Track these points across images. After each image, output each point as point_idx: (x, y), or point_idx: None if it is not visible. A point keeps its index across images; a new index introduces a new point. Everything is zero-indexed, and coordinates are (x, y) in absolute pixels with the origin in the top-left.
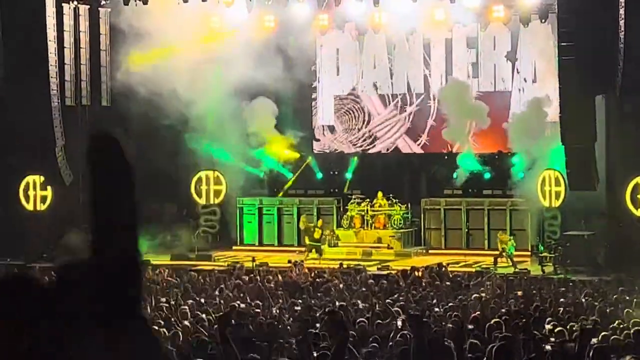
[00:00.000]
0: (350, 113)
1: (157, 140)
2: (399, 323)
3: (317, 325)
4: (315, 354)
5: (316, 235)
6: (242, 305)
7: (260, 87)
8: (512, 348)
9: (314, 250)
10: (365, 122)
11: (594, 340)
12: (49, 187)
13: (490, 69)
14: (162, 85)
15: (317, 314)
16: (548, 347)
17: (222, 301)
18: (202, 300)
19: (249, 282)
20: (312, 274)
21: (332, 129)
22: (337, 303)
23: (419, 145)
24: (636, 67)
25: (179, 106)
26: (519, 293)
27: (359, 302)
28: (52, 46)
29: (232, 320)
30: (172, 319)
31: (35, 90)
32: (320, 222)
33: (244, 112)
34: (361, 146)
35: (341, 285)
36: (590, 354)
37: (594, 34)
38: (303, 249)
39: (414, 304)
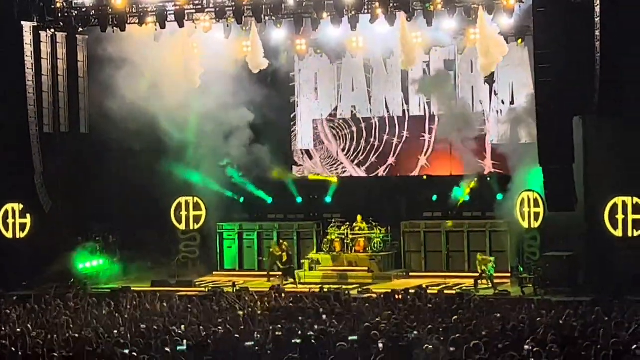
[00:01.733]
0: (329, 137)
1: (136, 166)
2: (380, 346)
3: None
4: None
5: (284, 260)
6: (222, 331)
7: (238, 113)
8: None
9: (287, 276)
10: (345, 145)
11: None
12: (28, 215)
13: (468, 91)
14: (140, 112)
15: (297, 339)
16: None
17: (202, 327)
18: (183, 327)
19: (229, 308)
20: (292, 299)
21: (311, 153)
22: (316, 327)
23: (397, 168)
24: (613, 87)
25: (158, 132)
26: (499, 315)
27: (339, 325)
28: (29, 74)
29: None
30: (153, 345)
31: (13, 118)
32: (284, 245)
33: (223, 137)
34: (340, 170)
35: (321, 310)
36: None
37: (571, 55)
38: (280, 273)
39: (394, 327)
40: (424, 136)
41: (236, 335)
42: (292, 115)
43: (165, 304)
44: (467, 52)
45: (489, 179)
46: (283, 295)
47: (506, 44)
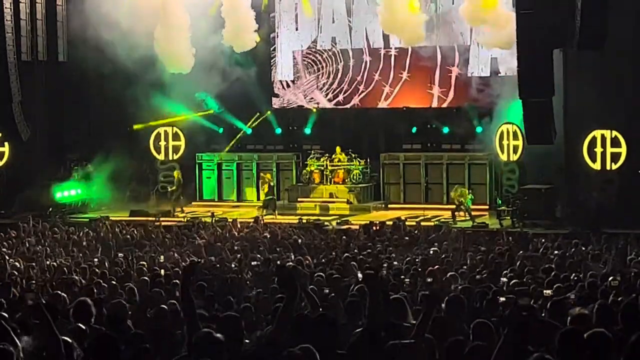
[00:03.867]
0: (309, 68)
1: (115, 96)
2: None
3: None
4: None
5: (264, 191)
6: (201, 261)
7: (217, 41)
8: (467, 299)
9: (268, 206)
10: (324, 77)
11: (548, 292)
12: (6, 144)
13: (450, 24)
14: (120, 39)
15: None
16: (502, 299)
17: (179, 257)
18: (161, 257)
19: (208, 238)
20: (269, 229)
21: (290, 84)
22: (293, 257)
23: (379, 98)
24: (594, 20)
25: (139, 59)
26: (478, 247)
27: (318, 256)
28: (7, 1)
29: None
30: (130, 274)
31: None
32: (268, 176)
33: (202, 68)
34: (319, 101)
35: (300, 240)
36: (546, 306)
37: None
38: (261, 203)
39: (372, 258)
40: (403, 71)
41: (216, 265)
42: (272, 48)
43: (143, 234)
44: None
45: (468, 111)
46: (262, 226)
47: None
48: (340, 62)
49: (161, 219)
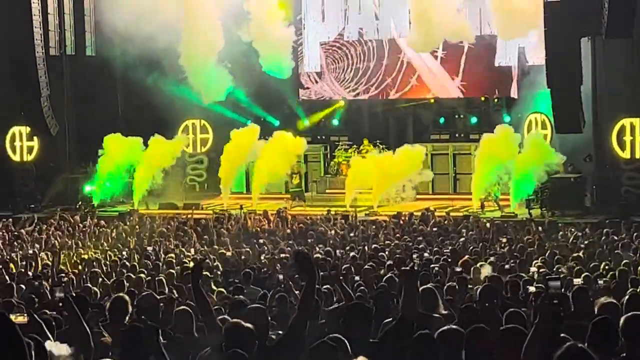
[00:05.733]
0: (336, 59)
1: (143, 89)
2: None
3: None
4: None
5: (295, 182)
6: (229, 254)
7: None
8: (497, 289)
9: (297, 197)
10: (352, 69)
11: (579, 280)
12: (35, 138)
13: (477, 13)
14: (148, 36)
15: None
16: (532, 289)
17: (207, 248)
18: (191, 250)
19: (237, 230)
20: (298, 221)
21: (318, 75)
22: (324, 248)
23: (406, 90)
24: (622, 8)
25: (165, 55)
26: (505, 237)
27: (346, 248)
28: None
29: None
30: (160, 266)
31: (19, 41)
32: (297, 167)
33: (230, 59)
34: (347, 92)
35: (332, 232)
36: (572, 294)
37: None
38: (289, 196)
39: (401, 249)
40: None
41: (243, 257)
42: (299, 37)
43: (172, 226)
44: None
45: (496, 100)
46: (289, 217)
47: None
48: (367, 53)
49: (192, 211)
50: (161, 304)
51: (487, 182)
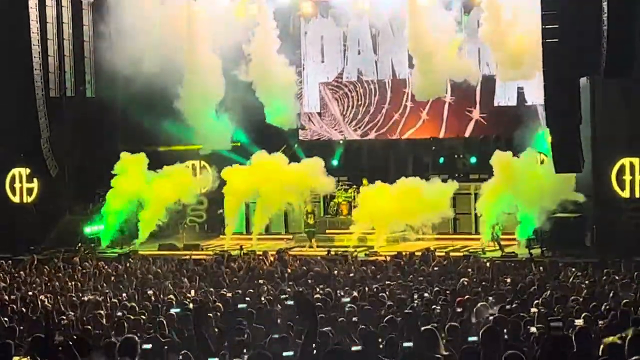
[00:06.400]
0: (335, 100)
1: (142, 130)
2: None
3: None
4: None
5: (310, 221)
6: (229, 294)
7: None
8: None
9: (312, 237)
10: (351, 109)
11: (579, 321)
12: (35, 179)
13: (475, 54)
14: (147, 77)
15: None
16: (534, 329)
17: (210, 289)
18: (192, 291)
19: (237, 271)
20: (299, 262)
21: (317, 116)
22: (324, 289)
23: (404, 130)
24: (620, 48)
25: (165, 96)
26: (509, 278)
27: (348, 288)
28: (35, 38)
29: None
30: (159, 308)
31: (19, 83)
32: (309, 207)
33: (229, 101)
34: (346, 133)
35: (330, 272)
36: (574, 335)
37: (577, 16)
38: (290, 236)
39: (401, 290)
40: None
41: (246, 298)
42: (298, 77)
43: (172, 268)
44: (474, 14)
45: (495, 140)
46: (290, 258)
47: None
48: (366, 93)
49: (191, 252)
50: (165, 347)
51: (494, 217)
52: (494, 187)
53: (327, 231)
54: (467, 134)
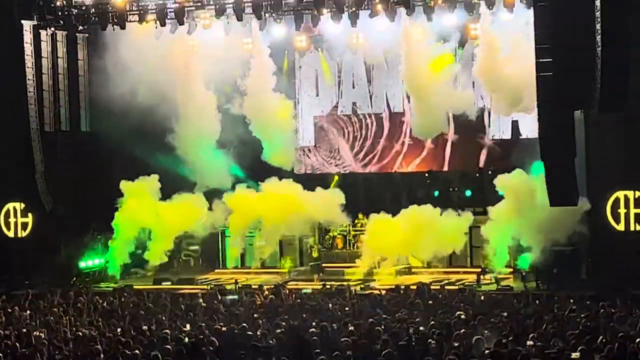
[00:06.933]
0: (330, 133)
1: (138, 164)
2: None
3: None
4: None
5: (314, 255)
6: (224, 329)
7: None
8: None
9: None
10: (346, 142)
11: (576, 355)
12: (29, 214)
13: (469, 87)
14: (142, 111)
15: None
16: None
17: (204, 324)
18: (187, 325)
19: (231, 305)
20: (294, 296)
21: (312, 149)
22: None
23: (398, 163)
24: (614, 82)
25: (159, 131)
26: (506, 312)
27: (343, 322)
28: (30, 72)
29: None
30: (154, 342)
31: (14, 117)
32: (312, 240)
33: (223, 137)
34: (341, 166)
35: (329, 306)
36: None
37: (571, 50)
38: (284, 270)
39: (397, 323)
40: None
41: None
42: (293, 115)
43: (167, 302)
44: (468, 47)
45: (490, 173)
46: (286, 292)
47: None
48: (361, 127)
49: (186, 286)
50: None
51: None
52: (505, 211)
53: (323, 265)
54: (481, 164)
